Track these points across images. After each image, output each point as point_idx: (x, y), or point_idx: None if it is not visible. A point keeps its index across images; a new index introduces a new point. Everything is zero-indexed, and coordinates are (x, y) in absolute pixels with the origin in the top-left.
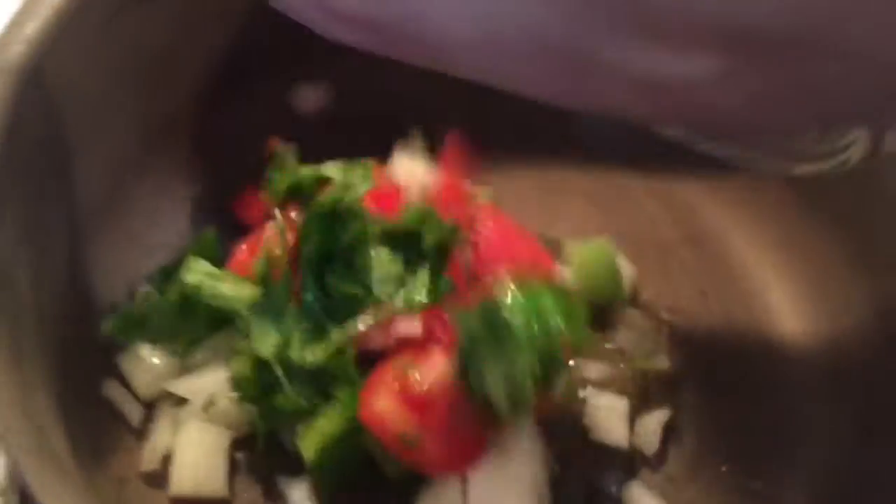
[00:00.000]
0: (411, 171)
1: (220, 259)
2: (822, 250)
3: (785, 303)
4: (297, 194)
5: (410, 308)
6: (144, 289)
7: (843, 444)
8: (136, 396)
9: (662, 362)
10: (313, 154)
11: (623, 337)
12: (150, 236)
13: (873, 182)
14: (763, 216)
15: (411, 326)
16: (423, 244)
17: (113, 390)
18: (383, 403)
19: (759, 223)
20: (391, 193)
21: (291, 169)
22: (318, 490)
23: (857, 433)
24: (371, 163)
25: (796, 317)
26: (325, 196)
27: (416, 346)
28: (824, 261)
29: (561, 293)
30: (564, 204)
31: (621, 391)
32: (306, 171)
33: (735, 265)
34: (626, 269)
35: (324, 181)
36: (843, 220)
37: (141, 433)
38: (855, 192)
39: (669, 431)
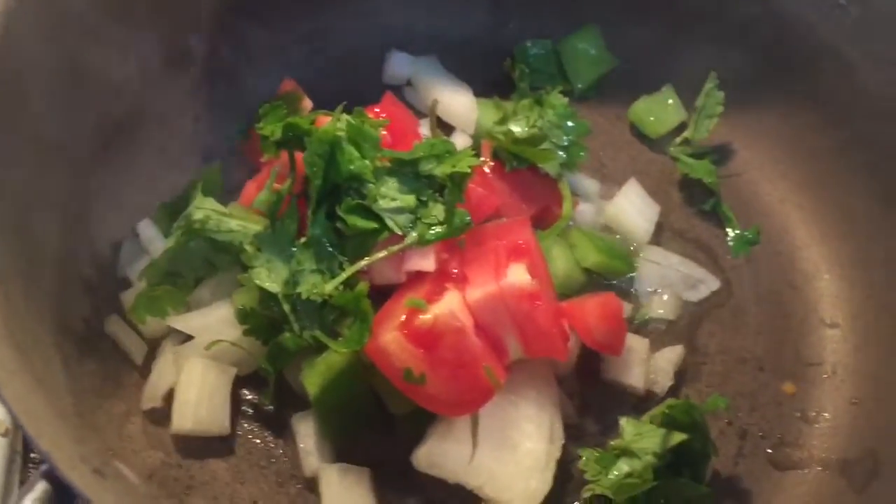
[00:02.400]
0: (458, 104)
1: (228, 192)
2: (849, 190)
3: (811, 240)
4: (294, 141)
5: (423, 242)
6: (146, 225)
7: (869, 381)
8: (139, 333)
9: (698, 290)
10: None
11: (646, 274)
12: (156, 174)
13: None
14: (796, 159)
15: (424, 261)
16: (438, 176)
17: (116, 327)
18: (389, 337)
19: (791, 165)
20: (405, 125)
21: (281, 115)
22: (324, 427)
23: (885, 367)
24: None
25: (822, 254)
26: (326, 126)
27: (428, 282)
28: (852, 199)
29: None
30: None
31: (642, 332)
32: (299, 119)
33: (763, 203)
34: (651, 208)
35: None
36: (871, 162)
37: (144, 371)
38: (883, 135)
39: (684, 373)
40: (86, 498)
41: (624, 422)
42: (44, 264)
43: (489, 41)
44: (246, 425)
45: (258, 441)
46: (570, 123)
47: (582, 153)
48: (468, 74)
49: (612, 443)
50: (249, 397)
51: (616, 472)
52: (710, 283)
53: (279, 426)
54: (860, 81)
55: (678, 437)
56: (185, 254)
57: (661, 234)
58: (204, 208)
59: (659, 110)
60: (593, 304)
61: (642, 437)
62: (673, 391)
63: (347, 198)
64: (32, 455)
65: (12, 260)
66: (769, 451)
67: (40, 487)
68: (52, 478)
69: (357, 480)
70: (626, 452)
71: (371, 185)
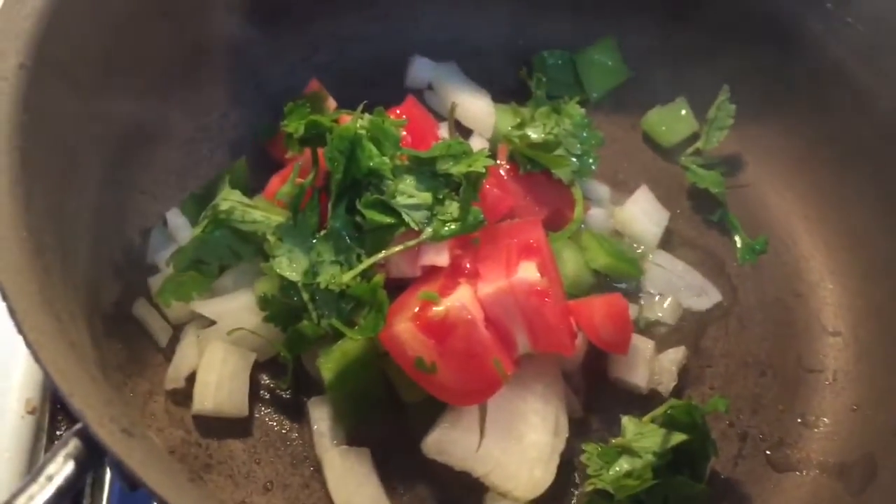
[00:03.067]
0: (477, 108)
1: (252, 189)
2: (854, 201)
3: (815, 251)
4: (317, 138)
5: (438, 238)
6: (174, 214)
7: (869, 388)
8: (165, 317)
9: (700, 300)
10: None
11: (652, 278)
12: (185, 166)
13: None
14: (803, 171)
15: (438, 256)
16: (454, 174)
17: (143, 310)
18: (403, 326)
19: (798, 177)
20: (425, 127)
21: (304, 114)
22: (338, 411)
23: (889, 374)
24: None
25: (826, 264)
26: (348, 124)
27: (442, 276)
28: (856, 211)
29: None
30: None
31: (648, 334)
32: (322, 118)
33: (770, 214)
34: (661, 213)
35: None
36: (875, 174)
37: (169, 353)
38: (887, 148)
39: (688, 376)
40: (114, 454)
41: (626, 420)
42: (78, 246)
43: (508, 50)
44: (263, 408)
45: (274, 424)
46: (584, 133)
47: (594, 162)
48: (487, 81)
49: (613, 440)
50: (267, 382)
51: (617, 469)
52: (712, 295)
53: (295, 411)
54: (866, 96)
55: (678, 438)
56: (210, 242)
57: (669, 240)
58: (230, 199)
59: (671, 121)
60: (600, 304)
61: (643, 437)
62: (677, 392)
63: (367, 193)
64: (58, 433)
65: (50, 238)
66: (768, 452)
67: (72, 444)
68: (84, 436)
69: (359, 461)
70: (627, 450)
71: (390, 181)
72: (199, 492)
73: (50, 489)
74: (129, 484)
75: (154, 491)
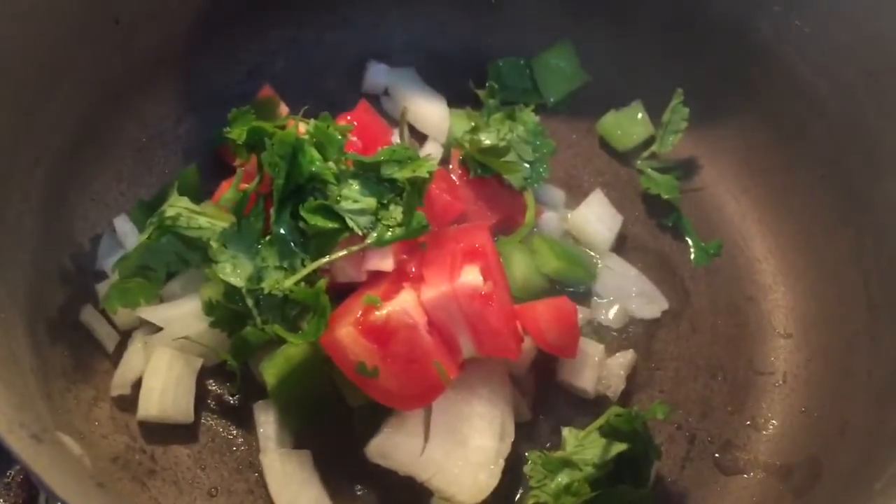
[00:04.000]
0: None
1: (203, 195)
2: (807, 204)
3: (768, 254)
4: (261, 144)
5: (382, 243)
6: (122, 220)
7: (818, 390)
8: (112, 323)
9: (648, 307)
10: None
11: (604, 283)
12: (137, 173)
13: (856, 140)
14: (756, 175)
15: (383, 261)
16: (398, 179)
17: (90, 316)
18: (345, 331)
19: (751, 181)
20: (376, 132)
21: (248, 120)
22: (283, 416)
23: (838, 377)
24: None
25: (779, 267)
26: (289, 129)
27: (387, 281)
28: (808, 214)
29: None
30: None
31: (598, 338)
32: (265, 124)
33: (724, 217)
34: (614, 218)
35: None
36: (827, 178)
37: (115, 359)
38: (838, 151)
39: (638, 378)
40: (19, 459)
41: (566, 432)
42: (19, 251)
43: (466, 55)
44: (209, 415)
45: (221, 430)
46: (538, 141)
47: (545, 170)
48: (444, 86)
49: (554, 454)
50: (214, 388)
51: (558, 481)
52: (660, 303)
53: (242, 416)
54: (816, 99)
55: (618, 448)
56: (157, 249)
57: (623, 244)
58: (177, 206)
59: (627, 124)
60: (546, 308)
61: (583, 448)
62: (625, 395)
63: (311, 198)
64: None
65: None
66: (716, 455)
67: None
68: None
69: (300, 463)
70: (567, 463)
71: (334, 186)
72: (106, 497)
73: None
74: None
75: (58, 495)
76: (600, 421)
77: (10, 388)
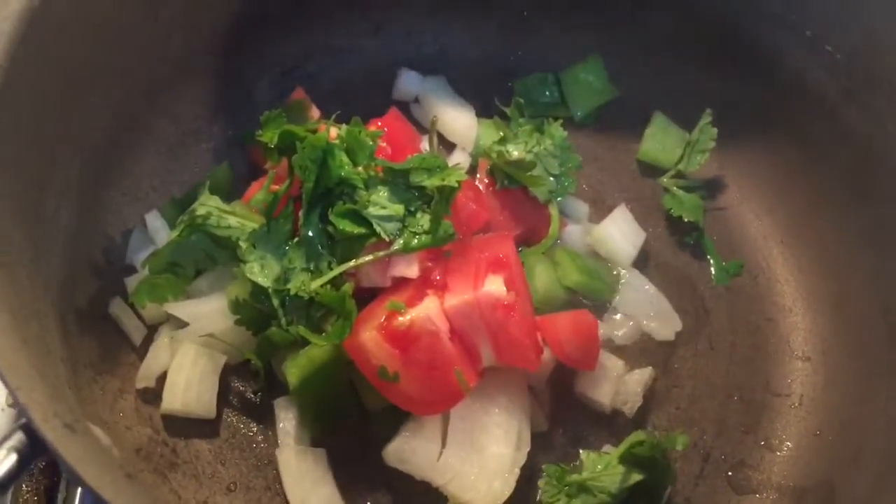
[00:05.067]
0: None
1: (233, 194)
2: (831, 229)
3: (789, 276)
4: (292, 148)
5: (408, 249)
6: (153, 216)
7: (833, 414)
8: (140, 317)
9: (662, 327)
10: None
11: (624, 298)
12: (169, 169)
13: (884, 167)
14: (782, 196)
15: (408, 267)
16: (427, 187)
17: (119, 309)
18: (368, 335)
19: (777, 202)
20: (405, 139)
21: (280, 124)
22: (302, 415)
23: (854, 401)
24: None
25: (799, 290)
26: (320, 133)
27: (411, 287)
28: (832, 238)
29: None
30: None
31: (618, 353)
32: (296, 128)
33: (747, 237)
34: (637, 233)
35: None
36: (852, 203)
37: (141, 352)
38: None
39: (655, 395)
40: (53, 448)
41: (584, 455)
42: (54, 243)
43: (496, 66)
44: (231, 411)
45: (241, 426)
46: (564, 155)
47: (570, 184)
48: (473, 96)
49: (571, 476)
50: (237, 384)
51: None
52: (675, 325)
53: (263, 414)
54: (844, 125)
55: (636, 478)
56: (186, 246)
57: (645, 260)
58: (208, 205)
59: (667, 142)
60: (566, 320)
61: (601, 476)
62: (641, 412)
63: (340, 202)
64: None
65: (21, 236)
66: (729, 473)
67: (17, 437)
68: (28, 431)
69: (315, 461)
70: (584, 488)
71: (362, 191)
72: (135, 488)
73: None
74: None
75: (89, 485)
76: (621, 449)
77: (44, 377)
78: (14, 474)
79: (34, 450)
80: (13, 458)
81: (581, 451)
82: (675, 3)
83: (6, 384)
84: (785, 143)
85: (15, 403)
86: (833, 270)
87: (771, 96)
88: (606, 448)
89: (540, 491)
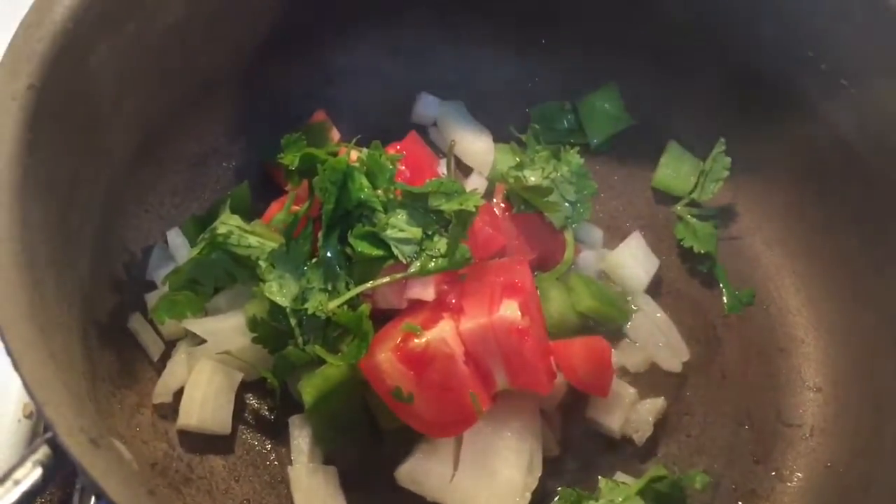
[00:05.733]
0: (477, 147)
1: (253, 213)
2: (844, 261)
3: (801, 307)
4: (312, 170)
5: (425, 272)
6: (175, 234)
7: (845, 446)
8: (158, 333)
9: (671, 357)
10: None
11: (636, 325)
12: (191, 187)
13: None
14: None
15: (424, 290)
16: (445, 211)
17: (138, 324)
18: (384, 356)
19: (789, 233)
20: (423, 162)
21: (300, 147)
22: (317, 434)
23: (866, 433)
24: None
25: (811, 320)
26: (341, 157)
27: (427, 310)
28: (844, 270)
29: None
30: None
31: (631, 380)
32: (317, 151)
33: (760, 267)
34: (651, 260)
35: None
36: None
37: (159, 367)
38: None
39: (666, 423)
40: (78, 463)
41: (603, 484)
42: (78, 259)
43: (514, 92)
44: (246, 428)
45: (256, 443)
46: (581, 182)
47: (585, 211)
48: (491, 121)
49: (587, 502)
50: (252, 402)
51: None
52: (682, 355)
53: (277, 431)
54: (859, 160)
55: None
56: (206, 264)
57: (658, 287)
58: (228, 224)
59: (682, 171)
60: (580, 345)
61: None
62: (652, 439)
63: (358, 224)
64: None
65: (50, 249)
66: (740, 503)
67: (42, 451)
68: (54, 445)
69: (326, 479)
70: None
71: (381, 214)
72: None
73: (16, 493)
74: (91, 492)
75: (112, 500)
76: (641, 483)
77: (70, 391)
78: (39, 489)
79: (58, 464)
80: (38, 471)
81: (600, 479)
82: (694, 36)
83: (33, 399)
84: (799, 175)
85: (40, 417)
86: (845, 301)
87: (785, 127)
88: (618, 476)
89: None
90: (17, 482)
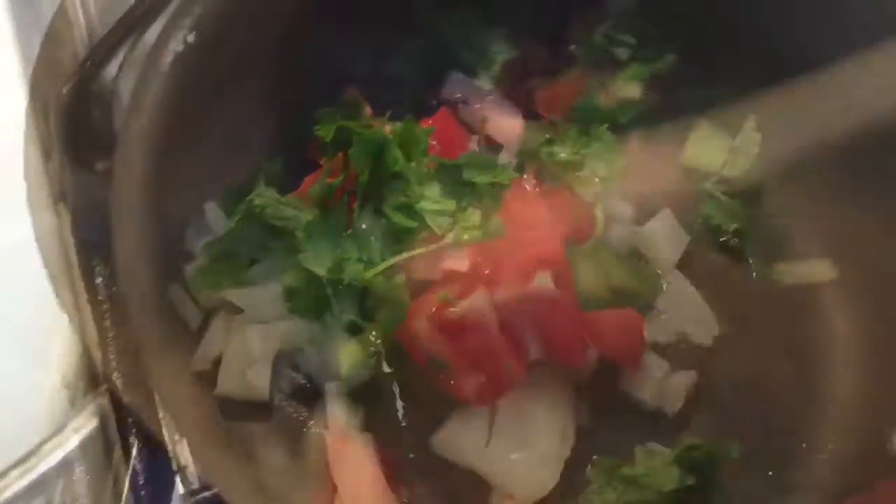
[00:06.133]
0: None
1: (287, 187)
2: (876, 237)
3: (832, 283)
4: (347, 143)
5: (459, 244)
6: (212, 206)
7: (875, 417)
8: (197, 303)
9: (701, 331)
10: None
11: (665, 300)
12: (227, 161)
13: None
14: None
15: (458, 261)
16: (478, 184)
17: (177, 294)
18: (419, 325)
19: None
20: (455, 138)
21: (335, 120)
22: (352, 401)
23: (893, 406)
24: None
25: (842, 295)
26: (376, 129)
27: (461, 280)
28: (877, 246)
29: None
30: None
31: (661, 354)
32: (352, 123)
33: (789, 245)
34: (680, 236)
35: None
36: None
37: (198, 336)
38: None
39: (698, 396)
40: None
41: (640, 452)
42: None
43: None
44: (283, 395)
45: (292, 411)
46: (611, 158)
47: (615, 187)
48: (520, 99)
49: (623, 469)
50: (289, 370)
51: (620, 498)
52: (713, 329)
53: (313, 400)
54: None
55: (689, 482)
56: (244, 235)
57: (687, 264)
58: (265, 196)
59: (711, 148)
60: (612, 318)
61: (654, 473)
62: (683, 412)
63: (393, 196)
64: None
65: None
66: (770, 473)
67: (99, 402)
68: (110, 398)
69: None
70: (633, 483)
71: (416, 186)
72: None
73: (75, 440)
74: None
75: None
76: (677, 451)
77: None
78: (96, 437)
79: (117, 415)
80: (94, 421)
81: (637, 447)
82: (725, 12)
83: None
84: (831, 150)
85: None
86: (876, 277)
87: (817, 103)
88: (651, 446)
89: (586, 481)
90: (76, 430)
